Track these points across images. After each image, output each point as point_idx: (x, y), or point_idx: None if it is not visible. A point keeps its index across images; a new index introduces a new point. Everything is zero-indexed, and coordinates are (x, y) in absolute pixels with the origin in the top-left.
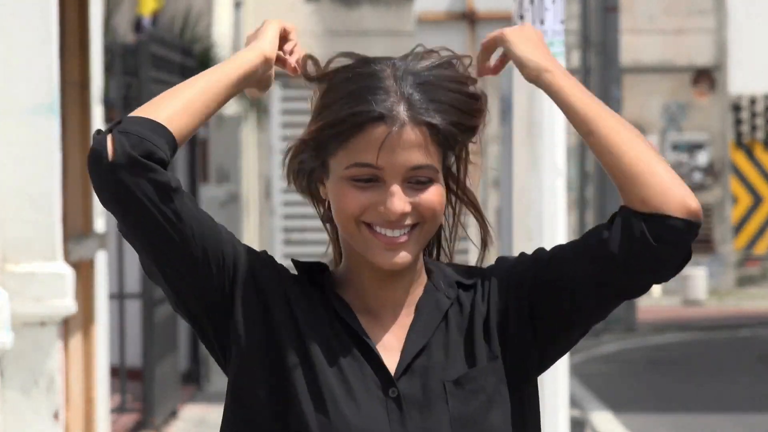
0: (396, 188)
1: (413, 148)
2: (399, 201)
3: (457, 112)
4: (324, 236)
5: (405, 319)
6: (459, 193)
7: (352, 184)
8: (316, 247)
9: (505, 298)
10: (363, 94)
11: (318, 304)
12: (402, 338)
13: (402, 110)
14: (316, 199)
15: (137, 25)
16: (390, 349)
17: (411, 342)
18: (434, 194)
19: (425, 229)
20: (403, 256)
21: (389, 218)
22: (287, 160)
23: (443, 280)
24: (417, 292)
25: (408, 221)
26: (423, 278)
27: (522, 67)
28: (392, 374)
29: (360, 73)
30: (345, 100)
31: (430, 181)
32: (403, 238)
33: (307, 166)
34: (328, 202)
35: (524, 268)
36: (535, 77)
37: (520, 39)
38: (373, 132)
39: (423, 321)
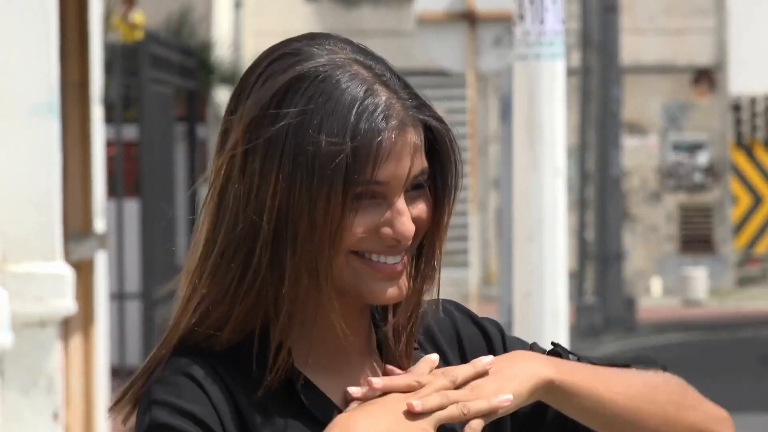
0: (402, 204)
1: (417, 152)
2: (408, 220)
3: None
4: None
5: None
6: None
7: (349, 207)
8: None
9: None
10: (343, 102)
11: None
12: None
13: (400, 108)
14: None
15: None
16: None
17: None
18: (426, 204)
19: (411, 247)
20: (403, 286)
21: (396, 244)
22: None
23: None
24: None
25: (409, 242)
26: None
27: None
28: None
29: (314, 67)
30: (322, 115)
31: (422, 186)
32: (401, 266)
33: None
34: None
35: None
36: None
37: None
38: (379, 145)
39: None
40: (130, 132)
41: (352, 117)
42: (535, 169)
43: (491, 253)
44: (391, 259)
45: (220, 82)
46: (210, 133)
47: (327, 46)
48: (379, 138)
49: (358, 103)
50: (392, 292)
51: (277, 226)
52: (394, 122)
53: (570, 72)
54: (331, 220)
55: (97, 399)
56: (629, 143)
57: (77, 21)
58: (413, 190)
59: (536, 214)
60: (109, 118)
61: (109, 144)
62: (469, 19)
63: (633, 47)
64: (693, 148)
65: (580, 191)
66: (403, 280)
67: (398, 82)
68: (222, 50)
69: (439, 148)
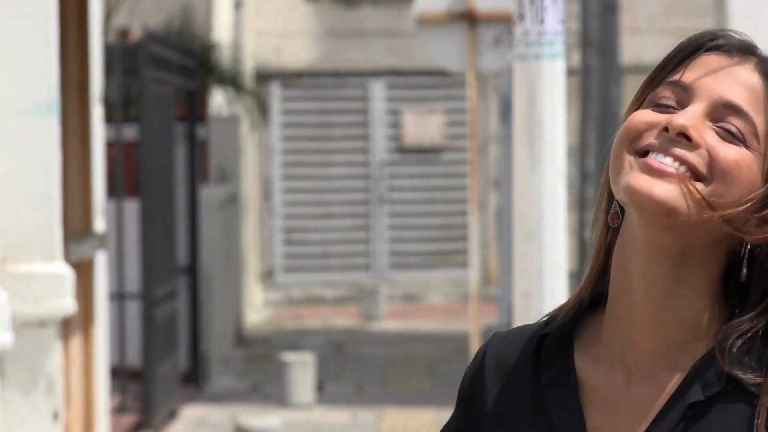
0: (693, 109)
1: (741, 87)
2: (689, 118)
3: None
4: (323, 236)
5: (666, 376)
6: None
7: (649, 109)
8: (316, 247)
9: None
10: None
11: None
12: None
13: (749, 55)
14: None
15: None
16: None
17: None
18: (738, 154)
19: (707, 191)
20: (666, 189)
21: (666, 134)
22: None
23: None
24: (697, 342)
25: (688, 154)
26: (706, 329)
27: None
28: None
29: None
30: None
31: (739, 140)
32: (672, 170)
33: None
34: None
35: None
36: None
37: None
38: (702, 56)
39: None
40: (130, 132)
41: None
42: (535, 169)
43: (491, 253)
44: (661, 157)
45: (220, 83)
46: (210, 133)
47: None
48: (690, 47)
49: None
50: (650, 184)
51: None
52: (732, 51)
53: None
54: (628, 111)
55: (97, 399)
56: None
57: (77, 21)
58: (724, 132)
59: (536, 213)
60: (109, 118)
61: (109, 144)
62: (469, 19)
63: (633, 47)
64: None
65: (580, 191)
66: (668, 188)
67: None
68: (222, 50)
69: None
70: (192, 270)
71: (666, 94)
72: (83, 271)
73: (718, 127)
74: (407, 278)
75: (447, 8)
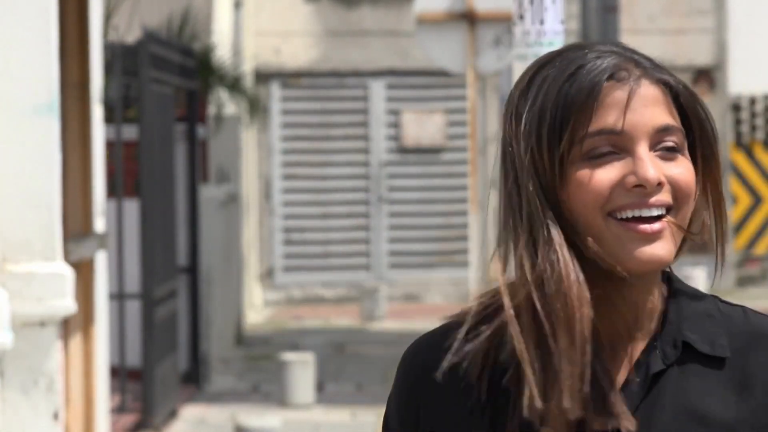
0: (644, 152)
1: (656, 106)
2: (653, 165)
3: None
4: (323, 236)
5: (627, 350)
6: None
7: (588, 164)
8: (316, 247)
9: None
10: (581, 63)
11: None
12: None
13: (632, 67)
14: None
15: None
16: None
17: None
18: (688, 169)
19: (680, 217)
20: (665, 247)
21: (644, 191)
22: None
23: (674, 327)
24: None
25: (664, 196)
26: (658, 302)
27: None
28: None
29: (563, 53)
30: (558, 78)
31: (677, 151)
32: (662, 224)
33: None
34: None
35: None
36: None
37: None
38: (605, 93)
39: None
40: (130, 132)
41: (573, 77)
42: None
43: (491, 253)
44: (645, 212)
45: (220, 82)
46: (210, 133)
47: (585, 47)
48: (598, 87)
49: (580, 64)
50: (649, 253)
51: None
52: (618, 72)
53: None
54: (580, 179)
55: (97, 399)
56: None
57: (77, 21)
58: (665, 151)
59: None
60: (109, 118)
61: (109, 144)
62: (469, 19)
63: (633, 47)
64: None
65: None
66: (666, 245)
67: (645, 59)
68: (222, 50)
69: (689, 115)
70: (192, 270)
71: (598, 144)
72: (83, 271)
73: (659, 150)
74: (407, 278)
75: (447, 8)
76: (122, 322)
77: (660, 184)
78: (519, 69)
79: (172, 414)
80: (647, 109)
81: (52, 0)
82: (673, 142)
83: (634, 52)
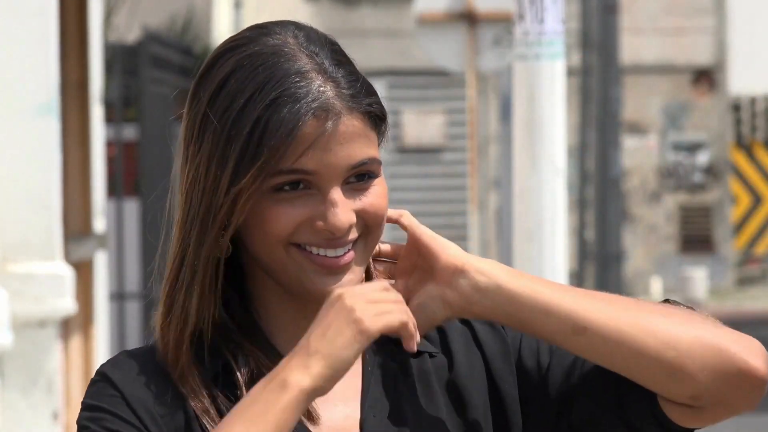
0: (336, 195)
1: (353, 141)
2: (343, 212)
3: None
4: None
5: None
6: None
7: (273, 198)
8: None
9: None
10: (275, 84)
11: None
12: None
13: (332, 95)
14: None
15: None
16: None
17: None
18: (379, 195)
19: (370, 241)
20: (349, 281)
21: (332, 236)
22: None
23: None
24: None
25: (352, 235)
26: None
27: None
28: None
29: (258, 53)
30: (256, 97)
31: (371, 176)
32: (348, 257)
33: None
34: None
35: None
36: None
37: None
38: (303, 131)
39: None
40: (130, 132)
41: (273, 105)
42: (535, 169)
43: (491, 253)
44: (331, 252)
45: None
46: None
47: (275, 35)
48: (297, 125)
49: (282, 89)
50: (334, 284)
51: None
52: (319, 110)
53: (570, 72)
54: (263, 212)
55: None
56: (629, 143)
57: (77, 21)
58: (362, 181)
59: (536, 214)
60: (109, 118)
61: (109, 144)
62: (469, 19)
63: (633, 47)
64: (693, 148)
65: (579, 191)
66: (351, 274)
67: (341, 70)
68: None
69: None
70: None
71: (289, 180)
72: (83, 271)
73: (352, 180)
74: None
75: (447, 8)
76: (122, 322)
77: (350, 227)
78: (519, 69)
79: None
80: (344, 147)
81: (52, 0)
82: (366, 171)
83: (337, 64)
